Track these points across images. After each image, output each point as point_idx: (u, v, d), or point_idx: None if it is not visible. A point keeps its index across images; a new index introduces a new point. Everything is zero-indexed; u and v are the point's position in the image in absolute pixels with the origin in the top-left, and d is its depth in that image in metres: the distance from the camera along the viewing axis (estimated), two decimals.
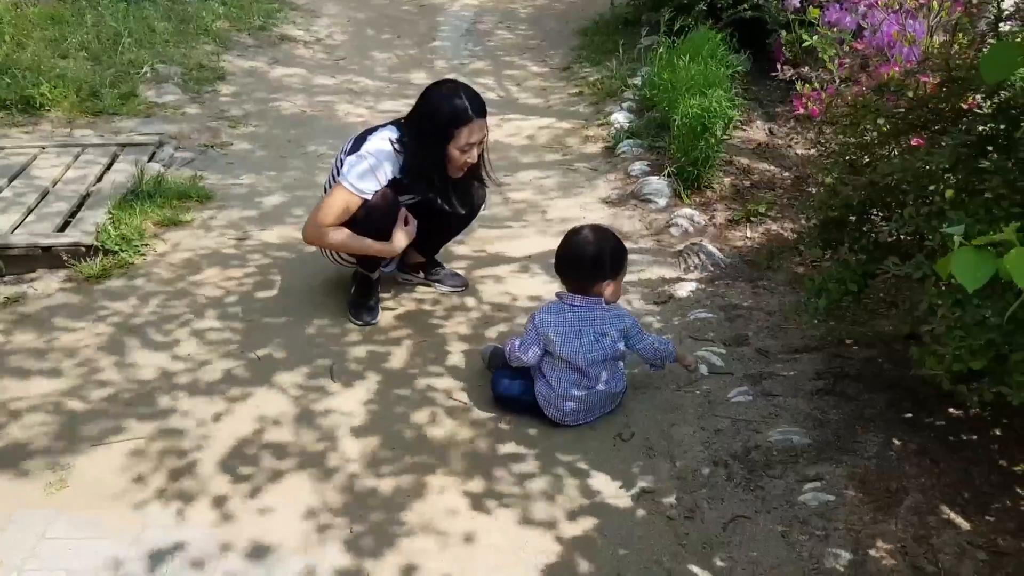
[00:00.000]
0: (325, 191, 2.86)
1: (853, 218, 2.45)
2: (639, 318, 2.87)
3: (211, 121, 4.78)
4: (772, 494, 2.16)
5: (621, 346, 2.44)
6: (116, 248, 3.29)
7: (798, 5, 4.01)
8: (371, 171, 2.70)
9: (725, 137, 3.92)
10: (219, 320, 2.96)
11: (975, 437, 2.28)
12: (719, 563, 1.98)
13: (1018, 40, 2.13)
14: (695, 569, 1.97)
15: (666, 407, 2.53)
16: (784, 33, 4.27)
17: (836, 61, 3.59)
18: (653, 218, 3.72)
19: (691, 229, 3.59)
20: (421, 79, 5.44)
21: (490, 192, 3.17)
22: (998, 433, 2.29)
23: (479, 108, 2.70)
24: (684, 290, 3.15)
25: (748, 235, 3.54)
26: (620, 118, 4.68)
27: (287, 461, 2.32)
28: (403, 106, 3.94)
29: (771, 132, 4.49)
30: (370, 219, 2.74)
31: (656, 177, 3.95)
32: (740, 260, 3.34)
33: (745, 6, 4.81)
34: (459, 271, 3.27)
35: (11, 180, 3.72)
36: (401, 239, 2.82)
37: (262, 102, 5.15)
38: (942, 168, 2.13)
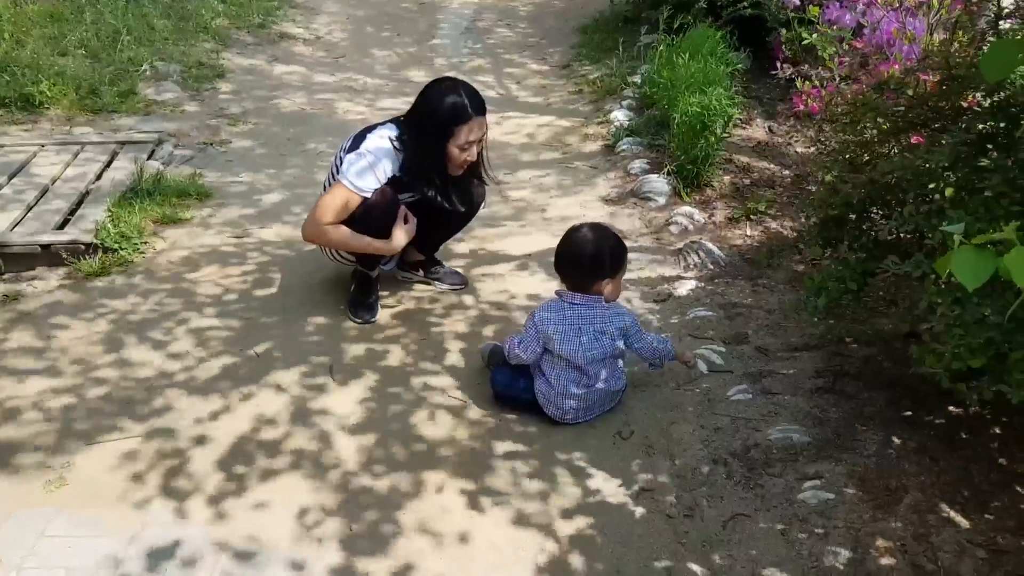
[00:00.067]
0: (324, 189, 2.86)
1: (853, 216, 2.45)
2: (639, 316, 2.87)
3: (210, 119, 4.77)
4: (772, 492, 2.16)
5: (620, 344, 2.44)
6: (115, 246, 3.29)
7: (798, 3, 3.99)
8: (370, 169, 2.69)
9: (725, 135, 3.91)
10: (218, 318, 2.95)
11: (975, 435, 2.28)
12: (718, 561, 1.98)
13: (1018, 38, 2.12)
14: (694, 567, 1.97)
15: (666, 405, 2.53)
16: (784, 31, 4.26)
17: (836, 59, 3.59)
18: (653, 216, 3.72)
19: (691, 227, 3.59)
20: (421, 77, 5.44)
21: (489, 190, 3.17)
22: (998, 431, 2.29)
23: (479, 106, 2.70)
24: (684, 288, 3.15)
25: (748, 233, 3.53)
26: (620, 116, 4.67)
27: (285, 459, 2.32)
28: (403, 104, 3.94)
29: (771, 130, 4.49)
30: (369, 217, 2.73)
31: (656, 175, 3.94)
32: (740, 258, 3.34)
33: (745, 4, 4.80)
34: (458, 269, 3.27)
35: (10, 178, 3.72)
36: (400, 237, 2.81)
37: (261, 100, 5.14)
38: (942, 166, 2.12)
